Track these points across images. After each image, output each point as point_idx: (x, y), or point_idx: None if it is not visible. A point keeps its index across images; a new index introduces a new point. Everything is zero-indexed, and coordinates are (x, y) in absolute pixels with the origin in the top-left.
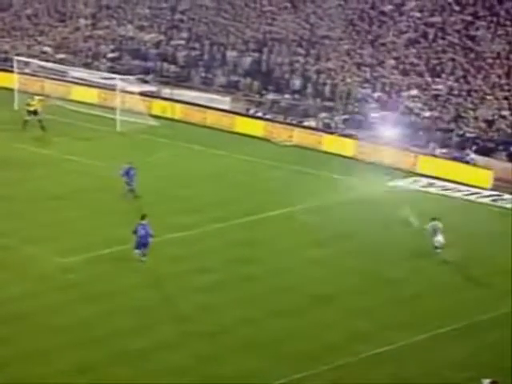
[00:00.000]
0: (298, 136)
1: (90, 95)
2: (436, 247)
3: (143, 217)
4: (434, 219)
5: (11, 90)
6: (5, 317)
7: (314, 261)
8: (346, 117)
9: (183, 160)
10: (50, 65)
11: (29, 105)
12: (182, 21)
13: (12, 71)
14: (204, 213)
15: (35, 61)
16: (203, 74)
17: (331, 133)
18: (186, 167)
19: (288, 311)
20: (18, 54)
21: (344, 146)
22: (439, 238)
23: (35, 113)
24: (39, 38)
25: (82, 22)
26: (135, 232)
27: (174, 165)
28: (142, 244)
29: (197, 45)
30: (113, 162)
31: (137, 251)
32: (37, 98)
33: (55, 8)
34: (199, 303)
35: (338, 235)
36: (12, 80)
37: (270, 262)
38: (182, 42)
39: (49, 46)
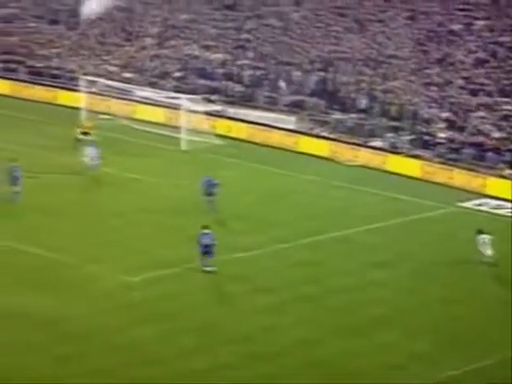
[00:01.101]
0: (364, 156)
1: (156, 114)
2: (484, 260)
3: (206, 226)
4: (481, 232)
5: (78, 109)
6: (69, 335)
7: (375, 281)
8: (412, 137)
9: (247, 179)
10: (116, 84)
11: (81, 126)
12: (248, 40)
13: (79, 90)
14: (266, 233)
15: (102, 80)
16: (268, 94)
17: (397, 153)
18: (249, 186)
19: (349, 331)
20: (84, 74)
21: (410, 167)
22: (488, 252)
23: (86, 134)
24: (106, 57)
25: (149, 41)
26: (198, 242)
27: (237, 184)
28: (206, 253)
29: (262, 64)
30: (177, 181)
31: (202, 260)
32: (102, 116)
33: (122, 27)
34: (261, 323)
35: (401, 256)
36: (79, 99)
37: (330, 282)
38: (248, 61)
39: (115, 65)
